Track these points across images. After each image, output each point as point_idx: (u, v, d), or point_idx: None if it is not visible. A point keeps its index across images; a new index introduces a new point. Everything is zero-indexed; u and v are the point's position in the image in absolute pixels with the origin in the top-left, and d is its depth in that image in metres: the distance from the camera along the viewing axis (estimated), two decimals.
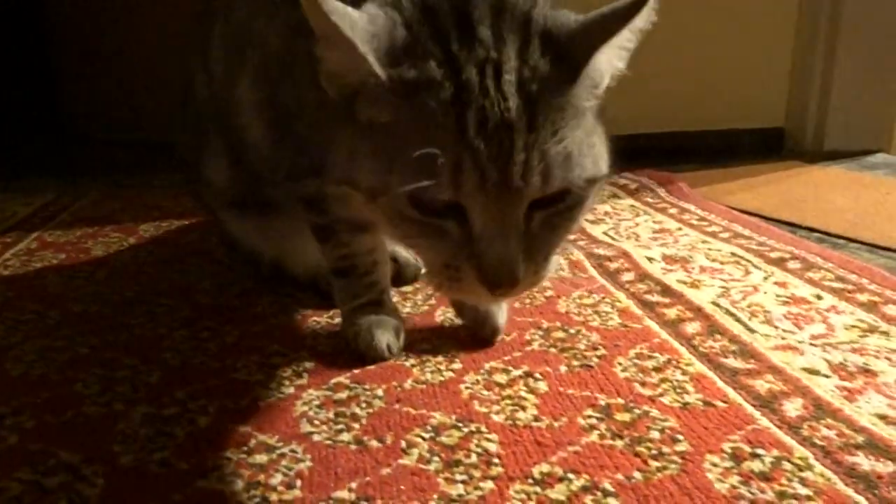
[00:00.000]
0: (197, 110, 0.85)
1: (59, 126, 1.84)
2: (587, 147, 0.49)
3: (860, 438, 0.58)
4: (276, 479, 0.54)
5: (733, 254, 1.02)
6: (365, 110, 0.50)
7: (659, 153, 1.64)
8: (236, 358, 0.73)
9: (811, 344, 0.74)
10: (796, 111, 1.84)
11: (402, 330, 0.74)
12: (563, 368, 0.70)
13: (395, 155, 0.48)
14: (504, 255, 0.48)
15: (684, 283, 0.91)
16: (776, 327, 0.78)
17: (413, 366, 0.71)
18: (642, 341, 0.75)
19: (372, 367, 0.71)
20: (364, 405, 0.64)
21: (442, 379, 0.68)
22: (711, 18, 1.74)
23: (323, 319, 0.82)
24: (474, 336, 0.76)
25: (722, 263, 0.98)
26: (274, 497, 0.52)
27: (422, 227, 0.50)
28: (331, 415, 0.63)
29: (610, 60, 0.50)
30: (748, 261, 0.99)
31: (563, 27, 0.50)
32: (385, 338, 0.72)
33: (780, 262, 0.98)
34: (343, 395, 0.66)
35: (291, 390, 0.67)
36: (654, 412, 0.62)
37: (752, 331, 0.77)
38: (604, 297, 0.87)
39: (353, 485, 0.53)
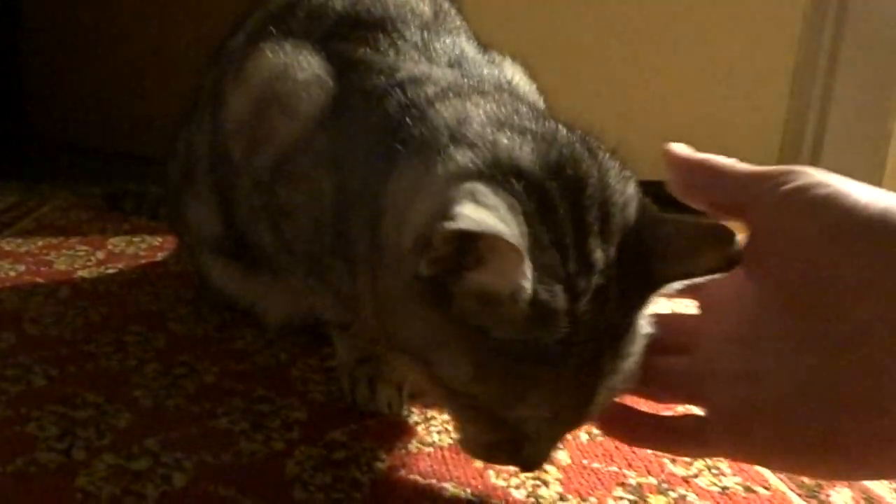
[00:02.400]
0: (191, 149, 0.77)
1: (25, 129, 1.73)
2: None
3: None
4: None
5: None
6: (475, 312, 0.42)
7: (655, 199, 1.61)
8: (216, 402, 0.65)
9: None
10: (790, 154, 1.82)
11: (406, 385, 0.67)
12: (583, 437, 0.63)
13: (487, 361, 0.43)
14: (545, 456, 0.48)
15: None
16: None
17: (417, 423, 0.64)
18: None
19: (371, 422, 0.63)
20: (365, 469, 0.57)
21: (451, 442, 0.61)
22: (709, 61, 1.72)
23: (313, 361, 0.74)
24: None
25: None
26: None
27: (479, 415, 0.47)
28: (328, 479, 0.55)
29: None
30: None
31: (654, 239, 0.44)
32: (386, 392, 0.64)
33: None
34: (341, 454, 0.58)
35: (281, 446, 0.59)
36: (691, 496, 0.56)
37: None
38: None
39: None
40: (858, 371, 0.37)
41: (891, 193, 0.39)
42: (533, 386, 0.43)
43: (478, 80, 0.57)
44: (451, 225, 0.36)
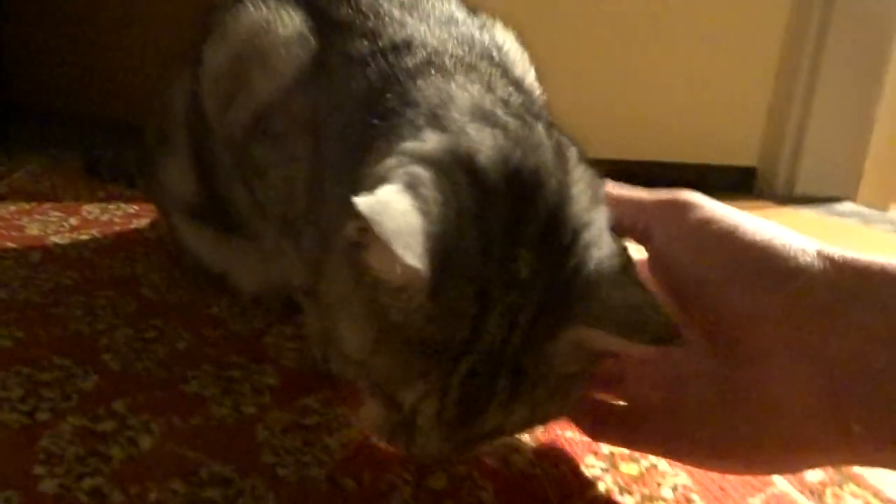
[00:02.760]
0: (169, 109, 0.76)
1: (3, 94, 1.70)
2: (575, 386, 0.46)
3: None
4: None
5: None
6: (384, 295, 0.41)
7: (628, 180, 1.61)
8: (187, 366, 0.64)
9: None
10: (771, 152, 1.83)
11: None
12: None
13: (384, 337, 0.42)
14: (436, 452, 0.46)
15: None
16: None
17: None
18: None
19: (345, 390, 0.63)
20: (337, 435, 0.56)
21: None
22: (694, 54, 1.72)
23: (288, 329, 0.74)
24: None
25: None
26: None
27: (374, 389, 0.46)
28: (298, 444, 0.54)
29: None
30: None
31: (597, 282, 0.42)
32: None
33: None
34: (312, 420, 0.58)
35: (252, 410, 0.58)
36: (663, 465, 0.56)
37: None
38: None
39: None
40: (757, 384, 0.43)
41: (770, 225, 0.45)
42: (420, 377, 0.41)
43: (468, 46, 0.55)
44: (358, 202, 0.36)
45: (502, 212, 0.41)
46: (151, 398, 0.58)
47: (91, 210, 1.07)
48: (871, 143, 1.81)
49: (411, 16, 0.57)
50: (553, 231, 0.41)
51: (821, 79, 1.77)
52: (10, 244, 0.90)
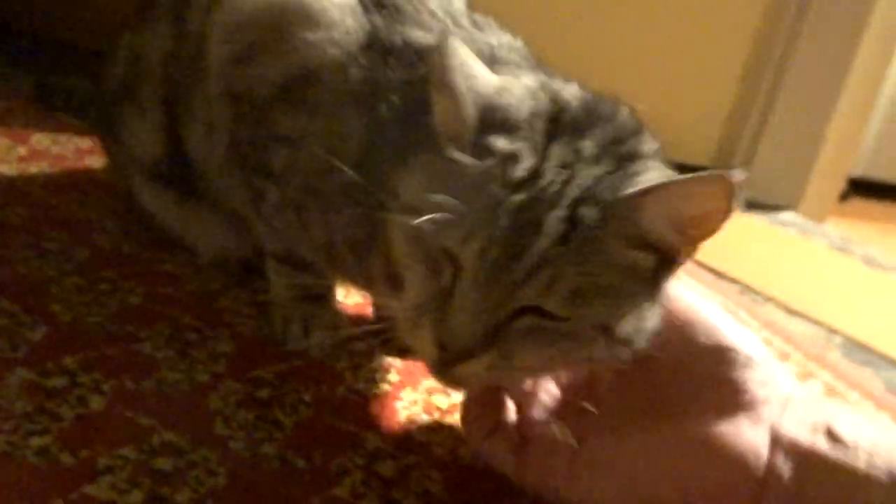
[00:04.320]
0: (138, 60, 0.72)
1: None
2: (616, 298, 0.45)
3: None
4: (184, 495, 0.46)
5: None
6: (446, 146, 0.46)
7: None
8: (140, 324, 0.63)
9: None
10: (725, 154, 1.88)
11: (342, 328, 0.66)
12: None
13: (441, 190, 0.44)
14: (465, 322, 0.44)
15: None
16: None
17: (345, 370, 0.64)
18: None
19: (299, 362, 0.63)
20: (289, 410, 0.56)
21: (377, 392, 0.61)
22: (661, 52, 1.74)
23: (244, 294, 0.73)
24: None
25: None
26: None
27: (427, 257, 0.46)
28: (250, 417, 0.55)
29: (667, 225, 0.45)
30: None
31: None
32: (319, 335, 0.64)
33: None
34: (265, 393, 0.58)
35: (206, 378, 0.58)
36: None
37: None
38: None
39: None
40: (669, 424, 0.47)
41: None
42: (468, 214, 0.43)
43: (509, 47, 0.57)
44: None
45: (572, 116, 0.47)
46: (103, 356, 0.57)
47: (41, 140, 1.02)
48: (818, 159, 1.88)
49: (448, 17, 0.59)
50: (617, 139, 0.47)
51: (782, 90, 1.82)
52: None
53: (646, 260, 0.45)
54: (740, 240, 1.46)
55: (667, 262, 0.46)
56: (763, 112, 1.81)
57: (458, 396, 0.63)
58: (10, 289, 0.63)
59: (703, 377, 0.47)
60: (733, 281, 1.20)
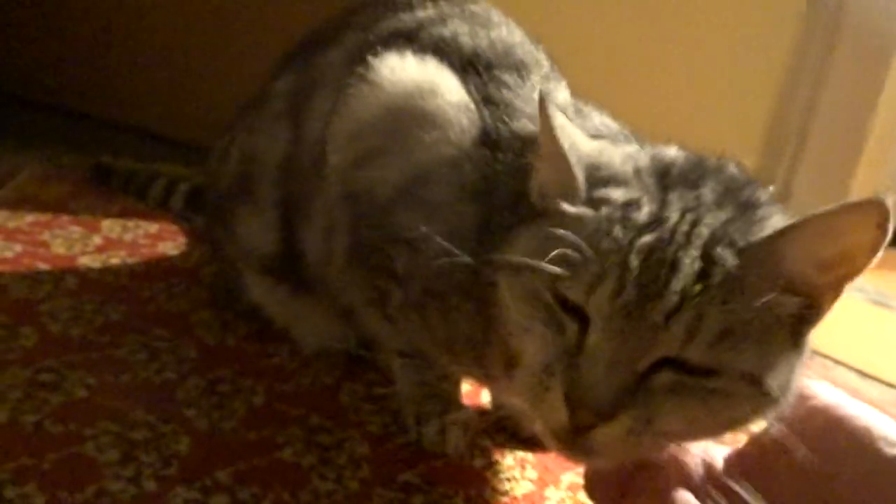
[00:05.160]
0: (254, 160, 0.72)
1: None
2: (761, 345, 0.42)
3: None
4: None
5: None
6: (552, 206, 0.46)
7: None
8: (275, 429, 0.62)
9: None
10: (766, 173, 1.89)
11: (473, 425, 0.65)
12: None
13: (557, 244, 0.43)
14: (602, 380, 0.41)
15: None
16: None
17: (484, 469, 0.62)
18: None
19: (438, 462, 0.62)
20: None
21: (524, 492, 0.60)
22: (695, 74, 1.73)
23: (359, 387, 0.72)
24: None
25: None
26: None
27: (545, 315, 0.44)
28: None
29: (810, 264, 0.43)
30: None
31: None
32: (455, 433, 0.63)
33: None
34: (419, 500, 0.57)
35: (355, 486, 0.57)
36: None
37: None
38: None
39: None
40: None
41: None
42: (592, 261, 0.42)
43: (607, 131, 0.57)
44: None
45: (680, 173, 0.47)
46: (253, 468, 0.56)
47: (111, 227, 1.02)
48: (855, 178, 1.90)
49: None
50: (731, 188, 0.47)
51: (811, 129, 1.84)
52: (41, 265, 0.84)
53: (789, 304, 0.43)
54: None
55: (810, 308, 0.44)
56: (795, 151, 1.84)
57: None
58: (143, 396, 0.62)
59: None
60: None
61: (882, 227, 0.39)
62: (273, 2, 1.39)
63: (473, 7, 0.68)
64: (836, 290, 0.43)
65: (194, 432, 0.59)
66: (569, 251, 0.42)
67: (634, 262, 0.41)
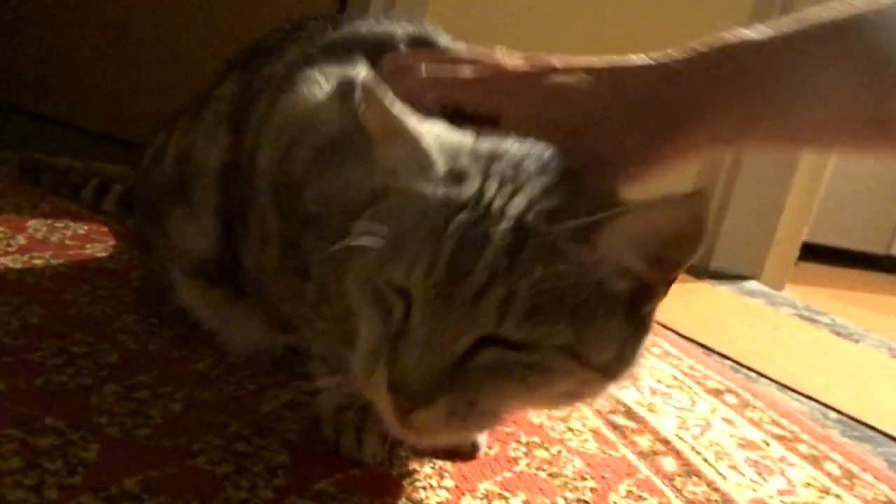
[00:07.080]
0: (191, 161, 0.72)
1: None
2: (582, 319, 0.43)
3: None
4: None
5: (674, 377, 1.03)
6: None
7: None
8: (191, 437, 0.61)
9: (781, 501, 0.75)
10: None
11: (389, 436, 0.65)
12: (560, 502, 0.65)
13: (384, 227, 0.46)
14: (419, 363, 0.42)
15: (641, 404, 0.90)
16: (743, 475, 0.78)
17: (401, 477, 0.63)
18: (626, 475, 0.72)
19: (356, 471, 0.62)
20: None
21: (438, 500, 0.61)
22: None
23: (283, 394, 0.71)
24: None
25: (668, 386, 0.99)
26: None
27: (375, 298, 0.46)
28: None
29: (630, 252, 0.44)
30: (689, 387, 1.00)
31: (603, 196, 0.48)
32: (372, 441, 0.63)
33: (717, 394, 1.00)
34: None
35: (269, 494, 0.56)
36: None
37: (723, 477, 0.77)
38: (570, 410, 0.83)
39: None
40: None
41: None
42: (412, 242, 0.43)
43: None
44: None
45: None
46: (164, 475, 0.55)
47: (37, 227, 0.99)
48: (777, 228, 1.97)
49: None
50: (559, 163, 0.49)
51: (742, 169, 1.91)
52: None
53: (617, 285, 0.44)
54: (716, 313, 1.51)
55: (645, 290, 0.45)
56: (728, 181, 1.89)
57: (516, 499, 0.62)
58: (54, 402, 0.60)
59: None
60: (723, 357, 1.24)
61: (701, 219, 0.41)
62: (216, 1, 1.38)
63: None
64: (665, 276, 0.45)
65: (105, 439, 0.58)
66: (388, 232, 0.44)
67: (448, 241, 0.43)
